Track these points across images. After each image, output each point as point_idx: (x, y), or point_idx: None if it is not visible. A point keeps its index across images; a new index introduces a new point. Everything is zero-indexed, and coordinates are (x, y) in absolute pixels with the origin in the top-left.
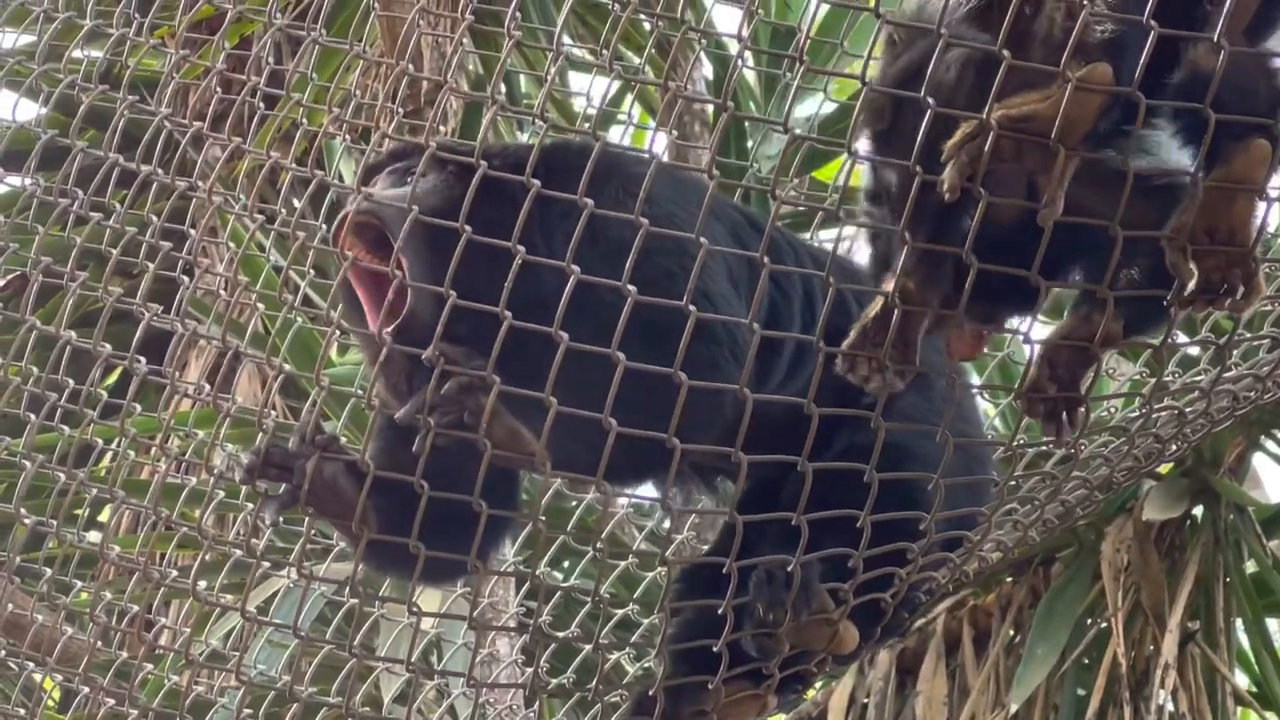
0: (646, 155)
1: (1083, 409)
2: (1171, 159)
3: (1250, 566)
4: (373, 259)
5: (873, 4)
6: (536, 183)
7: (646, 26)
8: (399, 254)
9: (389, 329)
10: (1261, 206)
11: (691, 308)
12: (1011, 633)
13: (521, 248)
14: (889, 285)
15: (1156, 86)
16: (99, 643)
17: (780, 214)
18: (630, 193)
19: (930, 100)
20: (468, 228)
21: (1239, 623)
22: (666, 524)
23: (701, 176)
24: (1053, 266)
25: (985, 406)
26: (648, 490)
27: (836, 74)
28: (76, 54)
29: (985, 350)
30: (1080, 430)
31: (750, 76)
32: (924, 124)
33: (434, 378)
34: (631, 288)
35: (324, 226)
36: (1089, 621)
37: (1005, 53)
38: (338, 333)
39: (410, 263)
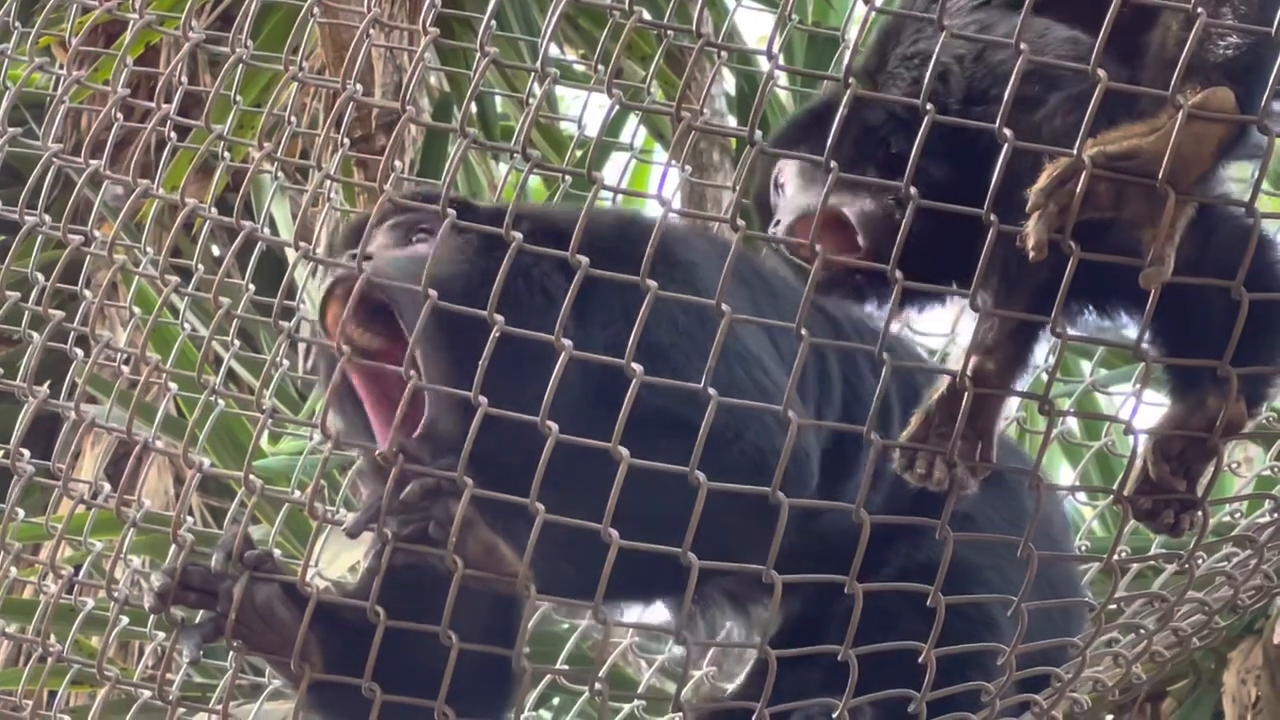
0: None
1: (1200, 513)
2: None
3: None
4: (369, 340)
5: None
6: (584, 260)
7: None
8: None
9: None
10: None
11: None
12: None
13: (568, 341)
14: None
15: None
16: None
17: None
18: (676, 281)
19: (1008, 132)
20: (500, 317)
21: None
22: (680, 653)
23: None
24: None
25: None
26: (657, 616)
27: (891, 99)
28: None
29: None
30: (1198, 540)
31: (783, 93)
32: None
33: (391, 479)
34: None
35: (250, 287)
36: None
37: (1101, 72)
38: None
39: (427, 357)
